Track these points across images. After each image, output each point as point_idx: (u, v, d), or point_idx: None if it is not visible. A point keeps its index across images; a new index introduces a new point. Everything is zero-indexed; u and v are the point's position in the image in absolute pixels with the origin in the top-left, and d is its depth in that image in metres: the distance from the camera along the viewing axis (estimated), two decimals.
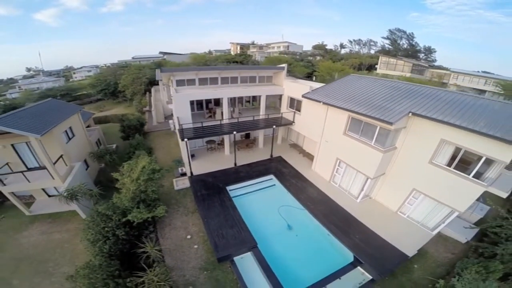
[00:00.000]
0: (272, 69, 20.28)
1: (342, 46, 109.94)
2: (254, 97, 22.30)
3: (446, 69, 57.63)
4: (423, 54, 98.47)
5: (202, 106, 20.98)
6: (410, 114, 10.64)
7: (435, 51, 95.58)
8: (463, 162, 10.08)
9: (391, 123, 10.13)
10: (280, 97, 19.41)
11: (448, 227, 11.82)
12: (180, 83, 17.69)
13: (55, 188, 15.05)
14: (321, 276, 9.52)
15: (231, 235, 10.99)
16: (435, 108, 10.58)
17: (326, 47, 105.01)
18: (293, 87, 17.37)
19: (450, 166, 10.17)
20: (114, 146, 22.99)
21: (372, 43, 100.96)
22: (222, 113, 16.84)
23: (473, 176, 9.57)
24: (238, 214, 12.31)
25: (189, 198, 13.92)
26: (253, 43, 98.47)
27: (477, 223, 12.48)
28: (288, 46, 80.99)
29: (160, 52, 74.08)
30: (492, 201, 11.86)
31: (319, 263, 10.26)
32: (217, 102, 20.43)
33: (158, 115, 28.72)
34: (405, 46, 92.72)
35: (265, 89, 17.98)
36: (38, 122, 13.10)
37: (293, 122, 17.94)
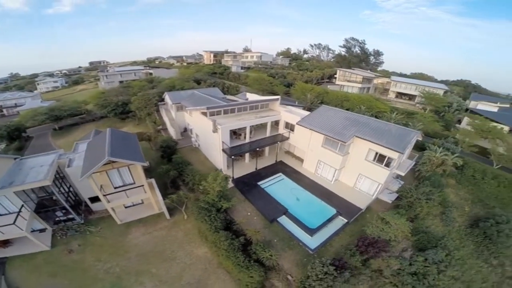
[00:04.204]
0: (270, 101, 29.57)
1: (305, 51, 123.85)
2: None
3: (388, 75, 73.46)
4: (372, 57, 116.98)
5: None
6: (355, 136, 21.09)
7: (382, 54, 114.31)
8: (380, 158, 20.63)
9: (344, 142, 20.48)
10: (278, 120, 28.84)
11: (382, 195, 22.63)
12: (212, 113, 25.82)
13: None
14: (321, 222, 19.10)
15: (271, 208, 20.30)
16: (366, 132, 21.06)
17: (291, 52, 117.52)
18: (288, 116, 26.94)
19: (374, 161, 20.87)
20: (147, 163, 29.43)
21: (330, 51, 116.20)
22: (245, 135, 25.68)
23: (384, 165, 20.29)
24: (271, 197, 21.67)
25: (237, 193, 22.31)
26: (227, 51, 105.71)
27: (397, 192, 23.40)
28: (260, 56, 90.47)
29: (145, 66, 77.16)
30: (409, 178, 23.35)
31: (319, 215, 19.84)
32: None
33: (176, 133, 35.64)
34: (358, 52, 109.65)
35: (271, 117, 27.20)
36: (125, 151, 18.24)
37: (289, 137, 27.60)
